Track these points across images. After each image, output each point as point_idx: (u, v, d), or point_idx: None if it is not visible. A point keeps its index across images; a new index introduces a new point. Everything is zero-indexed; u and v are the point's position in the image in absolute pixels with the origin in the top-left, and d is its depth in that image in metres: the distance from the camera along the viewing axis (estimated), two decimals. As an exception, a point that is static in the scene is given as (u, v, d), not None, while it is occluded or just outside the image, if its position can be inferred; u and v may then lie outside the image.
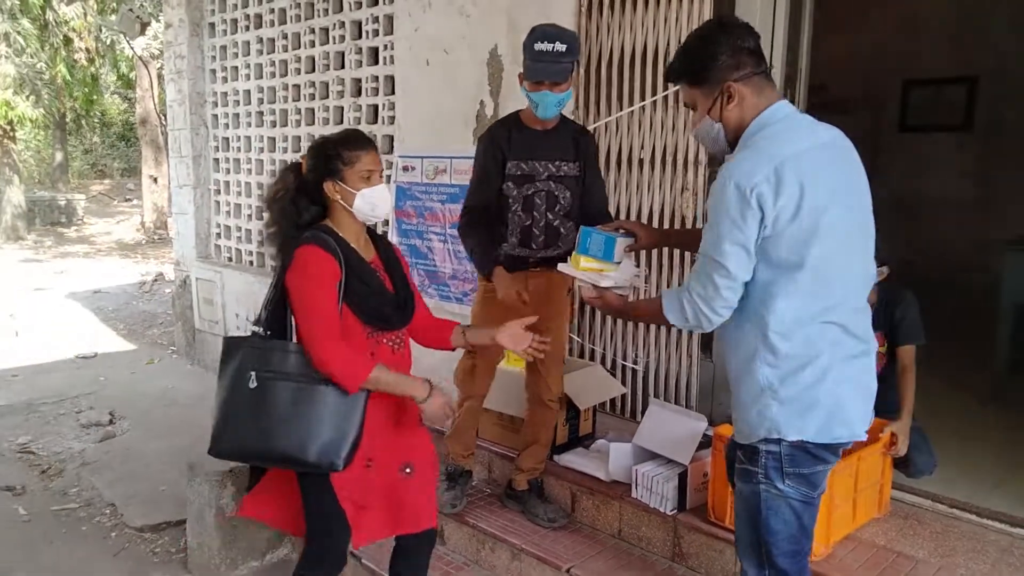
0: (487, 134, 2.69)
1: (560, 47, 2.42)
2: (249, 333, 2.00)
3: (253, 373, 1.91)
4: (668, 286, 3.28)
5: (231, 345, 1.99)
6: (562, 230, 2.67)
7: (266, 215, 2.06)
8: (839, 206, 1.65)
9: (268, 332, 1.98)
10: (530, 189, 2.63)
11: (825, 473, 1.77)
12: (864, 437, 1.78)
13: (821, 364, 1.66)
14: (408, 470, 2.08)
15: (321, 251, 1.92)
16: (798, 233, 1.61)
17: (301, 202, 2.01)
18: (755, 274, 1.66)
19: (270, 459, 1.96)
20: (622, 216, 3.47)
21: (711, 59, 1.70)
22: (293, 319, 1.97)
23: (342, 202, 1.99)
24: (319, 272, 1.90)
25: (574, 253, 2.09)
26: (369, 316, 1.99)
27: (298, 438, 1.88)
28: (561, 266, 2.13)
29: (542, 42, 2.42)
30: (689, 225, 3.24)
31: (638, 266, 2.13)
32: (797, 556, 1.77)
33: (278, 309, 1.98)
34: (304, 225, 2.00)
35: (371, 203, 1.98)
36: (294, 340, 1.96)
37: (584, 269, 2.02)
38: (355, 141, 2.01)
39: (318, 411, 1.90)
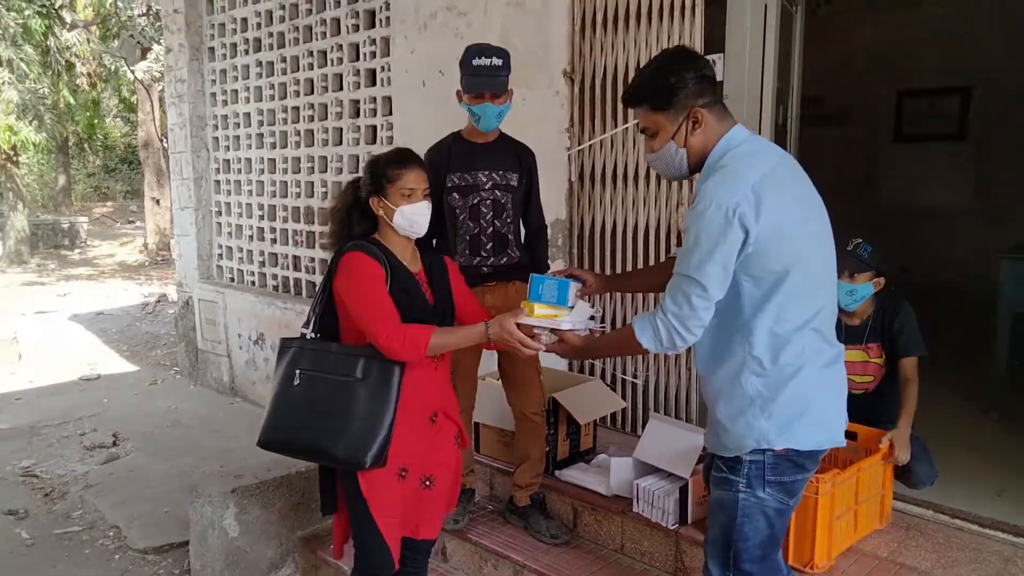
0: (427, 153, 2.75)
1: (497, 61, 2.56)
2: (299, 335, 2.12)
3: (298, 371, 2.05)
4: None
5: (284, 345, 2.12)
6: (510, 237, 2.76)
7: (327, 226, 2.21)
8: (813, 216, 1.74)
9: (316, 334, 2.09)
10: (475, 198, 2.71)
11: (804, 482, 1.82)
12: (844, 443, 1.83)
13: (805, 373, 1.71)
14: (428, 482, 2.13)
15: (364, 255, 2.02)
16: (782, 245, 1.65)
17: (354, 215, 2.13)
18: (742, 289, 1.70)
19: (306, 452, 2.08)
20: (619, 234, 3.50)
21: (681, 83, 1.73)
22: (340, 322, 2.08)
23: (385, 218, 2.08)
24: (364, 271, 2.00)
25: (525, 300, 2.06)
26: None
27: (329, 432, 1.98)
28: None
29: (479, 58, 2.56)
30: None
31: (593, 307, 2.13)
32: (764, 561, 1.81)
33: (325, 313, 2.09)
34: (356, 237, 2.11)
35: (410, 220, 2.06)
36: (339, 342, 2.08)
37: (538, 316, 2.00)
38: (399, 160, 2.09)
39: (351, 408, 1.98)
